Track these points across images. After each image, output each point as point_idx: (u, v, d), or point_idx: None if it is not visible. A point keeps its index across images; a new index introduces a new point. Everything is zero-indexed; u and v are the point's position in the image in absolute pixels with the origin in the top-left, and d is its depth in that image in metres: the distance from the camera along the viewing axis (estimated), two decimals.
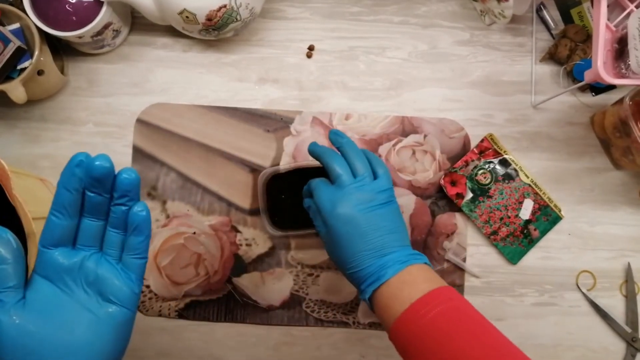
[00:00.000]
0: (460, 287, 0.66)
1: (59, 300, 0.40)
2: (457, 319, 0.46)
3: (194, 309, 0.66)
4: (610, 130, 0.63)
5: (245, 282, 0.66)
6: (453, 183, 0.66)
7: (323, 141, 0.67)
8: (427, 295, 0.46)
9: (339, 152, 0.55)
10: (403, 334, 0.46)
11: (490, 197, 0.66)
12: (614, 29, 0.56)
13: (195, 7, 0.59)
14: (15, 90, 0.59)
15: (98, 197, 0.40)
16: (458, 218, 0.67)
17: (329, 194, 0.52)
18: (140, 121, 0.67)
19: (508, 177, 0.67)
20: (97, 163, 0.38)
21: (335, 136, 0.55)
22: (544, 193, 0.67)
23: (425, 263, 0.51)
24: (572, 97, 0.69)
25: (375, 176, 0.53)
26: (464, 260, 0.66)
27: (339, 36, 0.69)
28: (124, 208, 0.40)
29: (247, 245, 0.66)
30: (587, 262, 0.67)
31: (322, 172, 0.56)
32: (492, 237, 0.66)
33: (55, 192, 0.39)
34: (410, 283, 0.48)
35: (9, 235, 0.38)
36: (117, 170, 0.40)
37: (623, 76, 0.55)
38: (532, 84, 0.69)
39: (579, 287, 0.67)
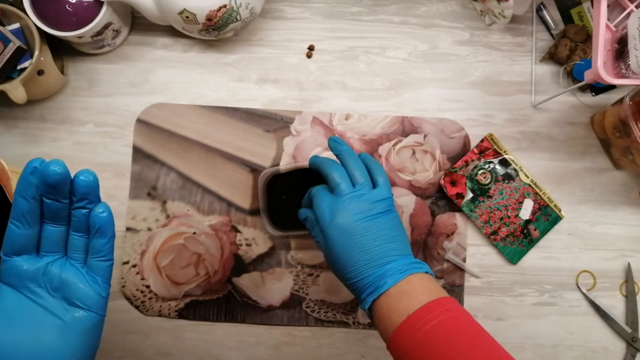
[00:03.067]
0: (460, 287, 0.66)
1: (24, 307, 0.40)
2: (454, 332, 0.45)
3: (194, 309, 0.66)
4: (610, 130, 0.63)
5: (245, 282, 0.66)
6: (453, 183, 0.66)
7: (323, 141, 0.67)
8: (425, 306, 0.46)
9: (338, 161, 0.54)
10: (400, 346, 0.46)
11: (490, 197, 0.66)
12: (614, 29, 0.56)
13: (195, 7, 0.59)
14: (15, 90, 0.59)
15: (56, 204, 0.39)
16: (458, 218, 0.67)
17: (328, 203, 0.51)
18: (140, 121, 0.67)
19: (508, 177, 0.67)
20: (50, 169, 0.37)
21: (334, 143, 0.55)
22: (544, 193, 0.67)
23: (427, 272, 0.50)
24: (572, 97, 0.69)
25: (374, 184, 0.53)
26: (464, 260, 0.66)
27: (339, 36, 0.69)
28: (84, 211, 0.40)
29: (247, 245, 0.66)
30: (587, 262, 0.67)
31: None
32: (492, 237, 0.66)
33: (13, 201, 0.39)
34: (409, 294, 0.47)
35: None
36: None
37: (623, 76, 0.55)
38: (532, 84, 0.69)
39: (579, 287, 0.67)
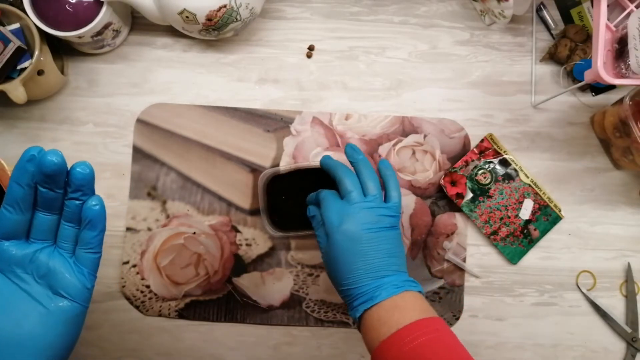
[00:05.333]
0: (460, 287, 0.66)
1: (8, 292, 0.40)
2: (439, 350, 0.46)
3: (194, 309, 0.66)
4: (610, 130, 0.63)
5: (245, 282, 0.66)
6: (453, 183, 0.66)
7: (323, 141, 0.67)
8: (415, 323, 0.47)
9: (351, 168, 0.55)
10: (386, 357, 0.46)
11: (490, 197, 0.66)
12: (614, 29, 0.56)
13: (195, 7, 0.59)
14: (15, 90, 0.59)
15: (50, 193, 0.39)
16: (458, 218, 0.67)
17: (337, 208, 0.52)
18: (140, 121, 0.67)
19: (508, 177, 0.67)
20: (47, 158, 0.38)
21: (351, 151, 0.55)
22: (544, 193, 0.67)
23: (420, 292, 0.51)
24: (572, 97, 0.69)
25: (387, 199, 0.54)
26: (464, 260, 0.66)
27: (339, 36, 0.69)
28: (77, 202, 0.40)
29: (247, 245, 0.66)
30: (587, 262, 0.67)
31: (322, 173, 0.56)
32: (492, 237, 0.66)
33: (8, 186, 0.39)
34: (401, 309, 0.48)
35: None
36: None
37: (623, 76, 0.55)
38: (532, 84, 0.69)
39: (579, 287, 0.67)
